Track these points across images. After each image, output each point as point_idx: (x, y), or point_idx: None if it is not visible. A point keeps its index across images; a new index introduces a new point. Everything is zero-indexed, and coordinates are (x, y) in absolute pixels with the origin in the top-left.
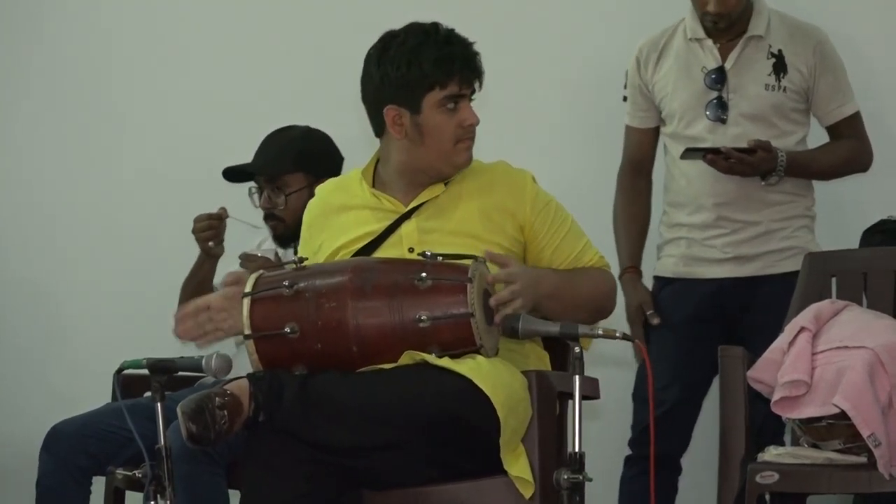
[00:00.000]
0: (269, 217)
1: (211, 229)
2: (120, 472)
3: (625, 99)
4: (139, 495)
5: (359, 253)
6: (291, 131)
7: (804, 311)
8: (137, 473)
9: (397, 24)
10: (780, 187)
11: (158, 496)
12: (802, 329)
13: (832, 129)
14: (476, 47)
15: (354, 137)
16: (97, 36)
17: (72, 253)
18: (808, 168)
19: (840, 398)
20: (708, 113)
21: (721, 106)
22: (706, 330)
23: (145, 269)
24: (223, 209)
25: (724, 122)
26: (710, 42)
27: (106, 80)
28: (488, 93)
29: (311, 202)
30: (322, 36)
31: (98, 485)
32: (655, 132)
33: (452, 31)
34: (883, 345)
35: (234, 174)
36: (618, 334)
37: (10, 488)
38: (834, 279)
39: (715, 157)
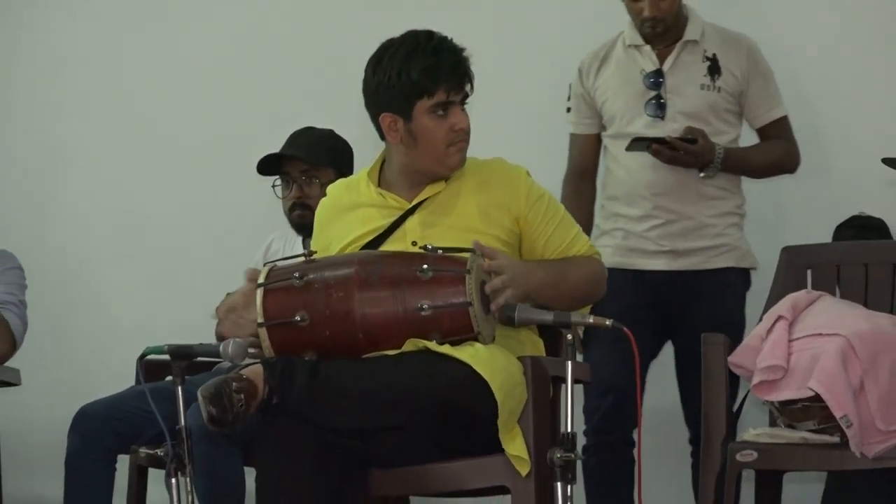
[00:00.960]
0: (297, 206)
1: None
2: (143, 450)
3: (568, 110)
4: (161, 472)
5: (366, 247)
6: (318, 130)
7: (781, 300)
8: (159, 452)
9: (399, 26)
10: (714, 182)
11: (179, 473)
12: (780, 318)
13: (762, 131)
14: (473, 52)
15: (360, 137)
16: (128, 40)
17: (100, 246)
18: (743, 163)
19: (815, 382)
20: (647, 111)
21: (659, 105)
22: (644, 318)
23: (168, 261)
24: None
25: (662, 118)
26: (647, 48)
27: (139, 80)
28: (485, 93)
29: (323, 201)
30: (330, 39)
31: (122, 463)
32: (598, 139)
33: (444, 39)
34: (855, 332)
35: (267, 164)
36: (608, 322)
37: (40, 467)
38: (809, 271)
39: (660, 147)
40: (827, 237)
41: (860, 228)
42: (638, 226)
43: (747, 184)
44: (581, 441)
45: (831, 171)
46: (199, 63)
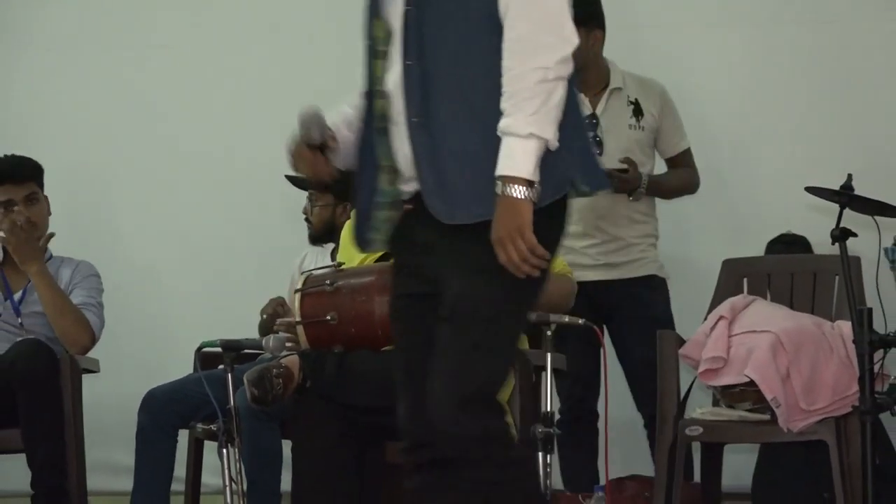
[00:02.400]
0: (308, 222)
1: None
2: (200, 426)
3: None
4: (214, 444)
5: (381, 259)
6: None
7: (722, 303)
8: (213, 427)
9: None
10: (637, 207)
11: (229, 445)
12: (721, 317)
13: (671, 161)
14: None
15: None
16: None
17: (163, 257)
18: (662, 187)
19: (750, 370)
20: None
21: (597, 143)
22: (588, 319)
23: (219, 269)
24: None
25: (600, 154)
26: (581, 95)
27: (194, 102)
28: None
29: (348, 222)
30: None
31: (183, 436)
32: None
33: None
34: (782, 329)
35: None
36: (580, 321)
37: (115, 439)
38: (745, 279)
39: None
40: (760, 251)
41: (787, 244)
42: (578, 243)
43: (699, 200)
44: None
45: (763, 197)
46: (251, 92)
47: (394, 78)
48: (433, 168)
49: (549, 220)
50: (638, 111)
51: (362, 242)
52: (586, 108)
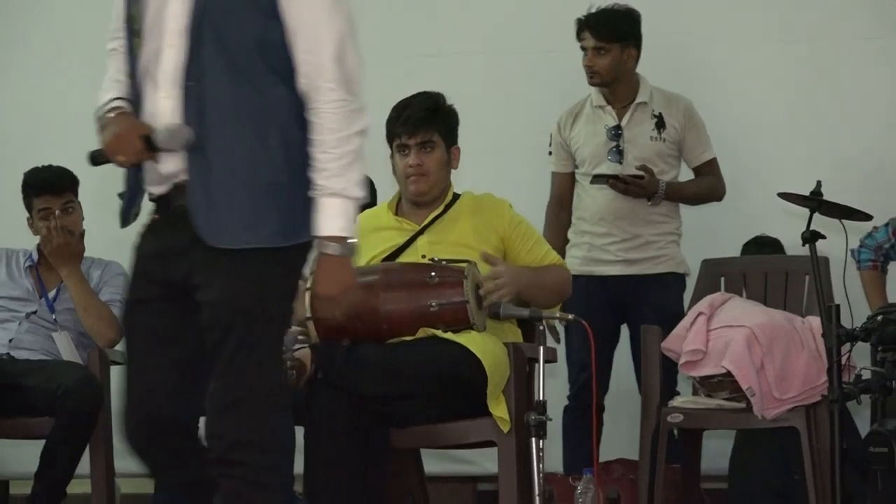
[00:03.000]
0: None
1: None
2: None
3: (550, 153)
4: None
5: (387, 259)
6: None
7: (701, 300)
8: None
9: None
10: (658, 209)
11: None
12: (700, 313)
13: (696, 170)
14: (475, 110)
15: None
16: None
17: None
18: (681, 193)
19: (727, 362)
20: (609, 157)
21: (619, 152)
22: (606, 312)
23: None
24: None
25: (621, 163)
26: (610, 107)
27: None
28: (481, 142)
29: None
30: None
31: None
32: (572, 176)
33: (422, 94)
34: (757, 324)
35: None
36: (570, 317)
37: None
38: (722, 278)
39: (615, 182)
40: (736, 252)
41: (761, 245)
42: (600, 240)
43: (682, 206)
44: (565, 402)
45: (740, 203)
46: None
47: (171, 102)
48: (204, 188)
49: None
50: (661, 124)
51: (125, 219)
52: (612, 120)
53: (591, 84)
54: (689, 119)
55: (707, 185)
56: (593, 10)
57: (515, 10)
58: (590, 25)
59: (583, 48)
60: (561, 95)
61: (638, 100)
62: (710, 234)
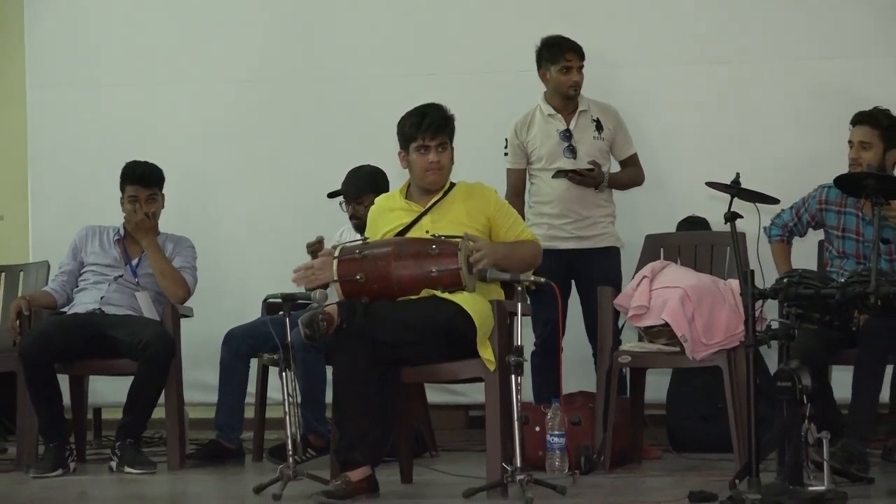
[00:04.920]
0: (352, 218)
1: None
2: (266, 356)
3: (506, 154)
4: (276, 369)
5: (398, 234)
6: (365, 168)
7: (645, 266)
8: (275, 357)
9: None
10: (601, 196)
11: (287, 370)
12: (644, 277)
13: (623, 162)
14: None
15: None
16: None
17: (240, 233)
18: (618, 181)
19: (665, 315)
20: (565, 154)
21: (572, 150)
22: (563, 277)
23: (282, 241)
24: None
25: (574, 158)
26: (559, 115)
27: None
28: (471, 144)
29: (373, 207)
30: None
31: (253, 364)
32: (525, 171)
33: (431, 105)
34: (689, 286)
35: (333, 194)
36: (542, 280)
37: (205, 364)
38: (662, 249)
39: (573, 175)
40: (673, 228)
41: (692, 224)
42: (557, 221)
43: (632, 191)
44: (532, 348)
45: (676, 189)
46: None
47: None
48: None
49: None
50: (599, 127)
51: None
52: (562, 124)
53: (571, 96)
54: (618, 122)
55: (633, 174)
56: (563, 36)
57: (475, 36)
58: (574, 48)
59: (567, 67)
60: (508, 109)
61: (580, 108)
62: (652, 215)
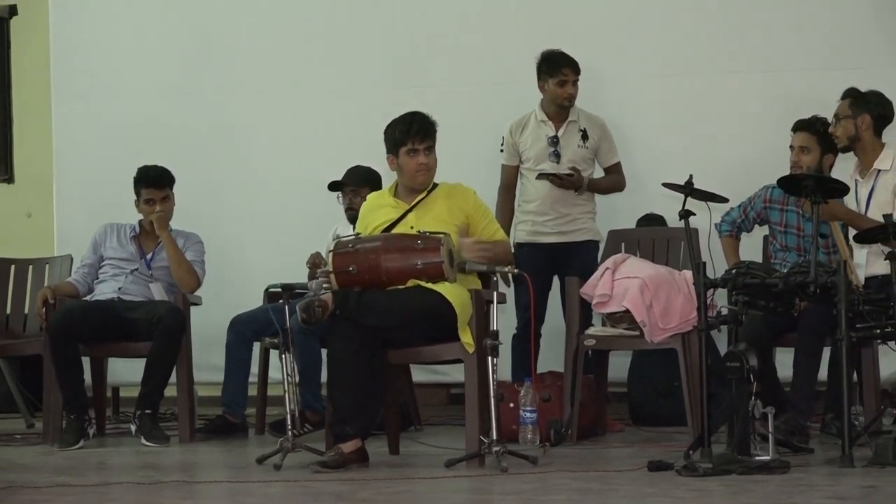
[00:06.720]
0: (349, 210)
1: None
2: (268, 340)
3: (501, 151)
4: (276, 352)
5: (386, 230)
6: (362, 168)
7: (608, 259)
8: (276, 341)
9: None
10: (582, 197)
11: (286, 352)
12: (607, 268)
13: (606, 170)
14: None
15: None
16: None
17: (246, 229)
18: (597, 186)
19: (626, 302)
20: (550, 158)
21: (556, 155)
22: (545, 268)
23: (282, 237)
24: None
25: (558, 162)
26: (550, 122)
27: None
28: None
29: (365, 203)
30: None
31: (256, 347)
32: (517, 168)
33: (417, 113)
34: (648, 276)
35: (333, 185)
36: (515, 271)
37: (213, 347)
38: (623, 243)
39: (555, 178)
40: (633, 225)
41: (650, 220)
42: (540, 218)
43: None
44: (513, 331)
45: (636, 190)
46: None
47: None
48: None
49: None
50: (585, 136)
51: None
52: (551, 131)
53: (566, 107)
54: (603, 133)
55: (614, 181)
56: (561, 51)
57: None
58: (571, 64)
59: (564, 80)
60: (506, 111)
61: (570, 118)
62: (614, 213)
